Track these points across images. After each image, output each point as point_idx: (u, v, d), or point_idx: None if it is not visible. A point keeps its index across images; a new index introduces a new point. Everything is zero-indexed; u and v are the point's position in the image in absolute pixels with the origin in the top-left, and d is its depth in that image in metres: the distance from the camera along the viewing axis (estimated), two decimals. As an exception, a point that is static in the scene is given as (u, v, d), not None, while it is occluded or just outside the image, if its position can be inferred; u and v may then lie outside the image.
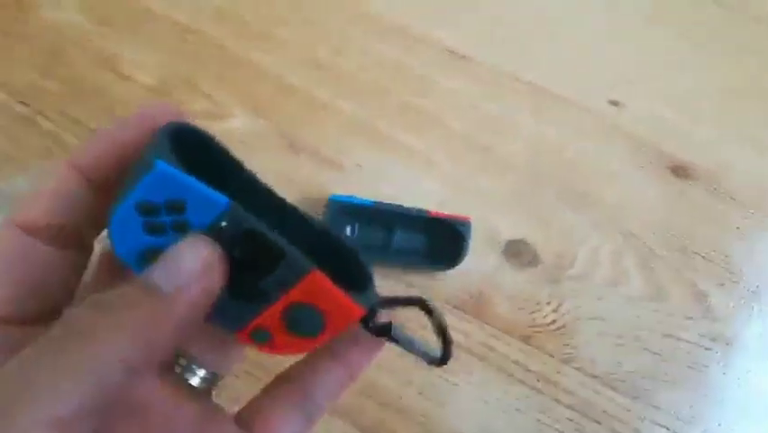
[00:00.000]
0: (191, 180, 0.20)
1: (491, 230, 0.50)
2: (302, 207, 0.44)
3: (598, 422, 0.47)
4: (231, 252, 0.21)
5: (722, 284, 0.50)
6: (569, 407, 0.47)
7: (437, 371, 0.47)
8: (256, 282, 0.22)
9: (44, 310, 0.20)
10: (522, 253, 0.50)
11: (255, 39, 0.54)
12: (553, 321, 0.49)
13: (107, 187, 0.21)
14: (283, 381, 0.24)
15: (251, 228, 0.21)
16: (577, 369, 0.48)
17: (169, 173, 0.19)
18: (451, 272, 0.49)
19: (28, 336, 0.17)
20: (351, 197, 0.48)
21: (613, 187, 0.51)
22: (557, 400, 0.48)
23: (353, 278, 0.24)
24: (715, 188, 0.51)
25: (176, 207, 0.20)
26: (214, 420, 0.23)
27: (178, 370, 0.23)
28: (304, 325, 0.23)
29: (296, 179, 0.51)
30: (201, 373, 0.24)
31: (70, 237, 0.21)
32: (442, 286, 0.49)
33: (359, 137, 0.52)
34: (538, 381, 0.48)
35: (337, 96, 0.53)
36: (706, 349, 0.49)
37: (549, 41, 0.55)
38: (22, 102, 0.52)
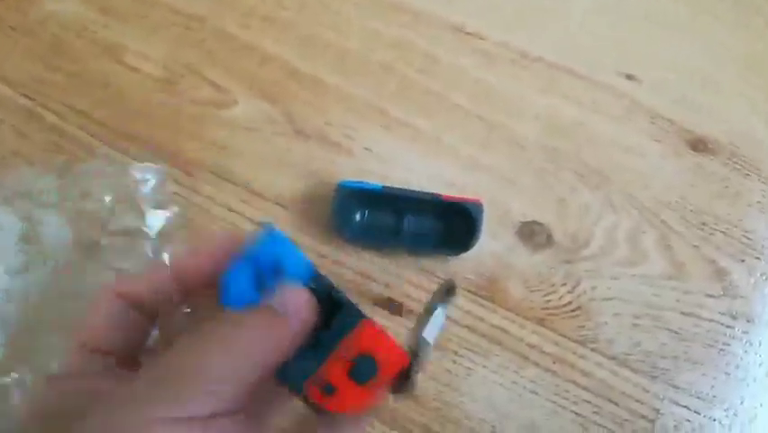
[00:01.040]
0: (293, 246, 0.28)
1: (504, 211, 0.49)
2: (311, 193, 0.44)
3: (616, 403, 0.46)
4: None
5: (743, 260, 0.48)
6: (585, 388, 0.47)
7: (450, 356, 0.47)
8: (321, 335, 0.27)
9: (121, 353, 0.27)
10: (536, 234, 0.49)
11: (259, 24, 0.53)
12: (569, 303, 0.48)
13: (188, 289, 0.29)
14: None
15: (332, 291, 0.28)
16: (594, 350, 0.47)
17: (279, 234, 0.27)
18: (463, 255, 0.48)
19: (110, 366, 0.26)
20: (360, 182, 0.47)
21: (629, 163, 0.50)
22: (574, 382, 0.47)
23: None
24: (734, 162, 0.50)
25: (277, 270, 0.27)
26: None
27: None
28: (363, 371, 0.27)
29: (304, 164, 0.50)
30: None
31: (149, 310, 0.28)
32: (454, 270, 0.48)
33: (367, 120, 0.51)
34: (554, 363, 0.47)
35: (344, 78, 0.52)
36: (727, 327, 0.47)
37: (558, 14, 0.53)
38: (25, 95, 0.52)
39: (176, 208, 0.48)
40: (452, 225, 0.48)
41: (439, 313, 0.32)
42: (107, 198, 0.47)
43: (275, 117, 0.51)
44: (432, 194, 0.47)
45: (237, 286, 0.27)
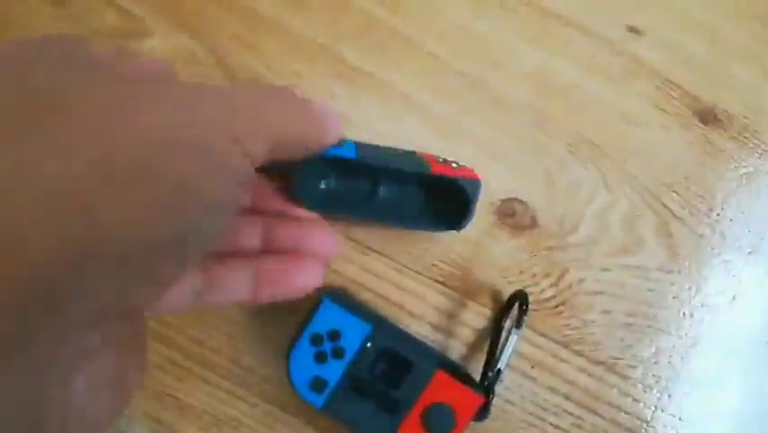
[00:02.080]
0: (345, 312, 0.32)
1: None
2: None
3: (601, 416, 0.40)
4: (375, 369, 0.32)
5: (750, 252, 0.42)
6: (567, 398, 0.40)
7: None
8: (395, 394, 0.31)
9: None
10: (517, 215, 0.41)
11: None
12: (552, 297, 0.41)
13: None
14: None
15: (388, 347, 0.31)
16: (578, 353, 0.40)
17: (332, 305, 0.32)
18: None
19: None
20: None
21: (628, 134, 0.42)
22: (553, 390, 0.40)
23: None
24: (749, 138, 0.43)
25: (334, 336, 0.31)
26: None
27: None
28: (439, 423, 0.30)
29: (236, 118, 0.40)
30: None
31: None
32: (419, 255, 0.40)
33: (317, 66, 0.41)
34: (532, 367, 0.40)
35: (288, 10, 0.41)
36: (733, 331, 0.41)
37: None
38: None
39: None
40: (438, 200, 0.37)
41: (514, 339, 0.33)
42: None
43: (199, 55, 0.40)
44: (419, 157, 0.37)
45: (300, 363, 0.31)
